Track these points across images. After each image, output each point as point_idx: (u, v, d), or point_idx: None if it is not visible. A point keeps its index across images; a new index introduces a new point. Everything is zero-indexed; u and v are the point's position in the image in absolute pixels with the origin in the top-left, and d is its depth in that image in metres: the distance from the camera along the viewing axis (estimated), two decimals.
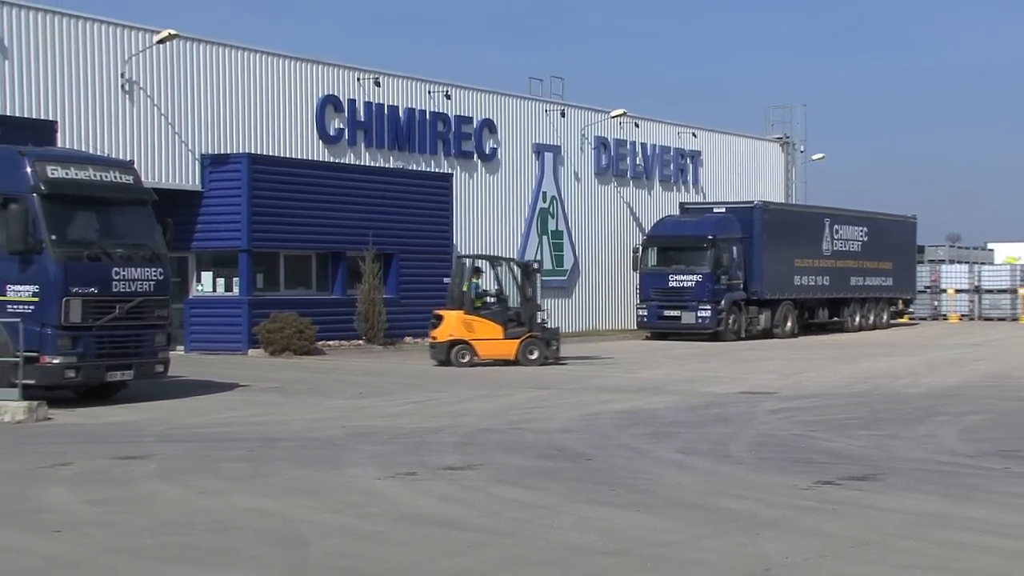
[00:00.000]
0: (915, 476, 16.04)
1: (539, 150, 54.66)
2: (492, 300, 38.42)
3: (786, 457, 17.97)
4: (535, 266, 40.68)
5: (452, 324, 37.13)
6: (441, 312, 37.61)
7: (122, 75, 39.29)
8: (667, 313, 50.90)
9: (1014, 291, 72.37)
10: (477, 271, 38.55)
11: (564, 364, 38.02)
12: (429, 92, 49.79)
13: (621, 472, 16.61)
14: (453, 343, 36.81)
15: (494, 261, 41.24)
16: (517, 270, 39.69)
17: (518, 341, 37.33)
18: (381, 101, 47.72)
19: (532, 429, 21.59)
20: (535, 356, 37.32)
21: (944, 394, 28.14)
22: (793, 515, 13.31)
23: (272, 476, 16.39)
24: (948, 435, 20.54)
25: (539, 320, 38.73)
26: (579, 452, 18.53)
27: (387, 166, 47.10)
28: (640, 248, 53.08)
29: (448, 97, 50.39)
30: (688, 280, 50.72)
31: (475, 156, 51.56)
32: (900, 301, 66.00)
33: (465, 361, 36.54)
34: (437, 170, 48.88)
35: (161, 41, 40.07)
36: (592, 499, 14.38)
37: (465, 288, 37.67)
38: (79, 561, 11.46)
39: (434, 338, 37.30)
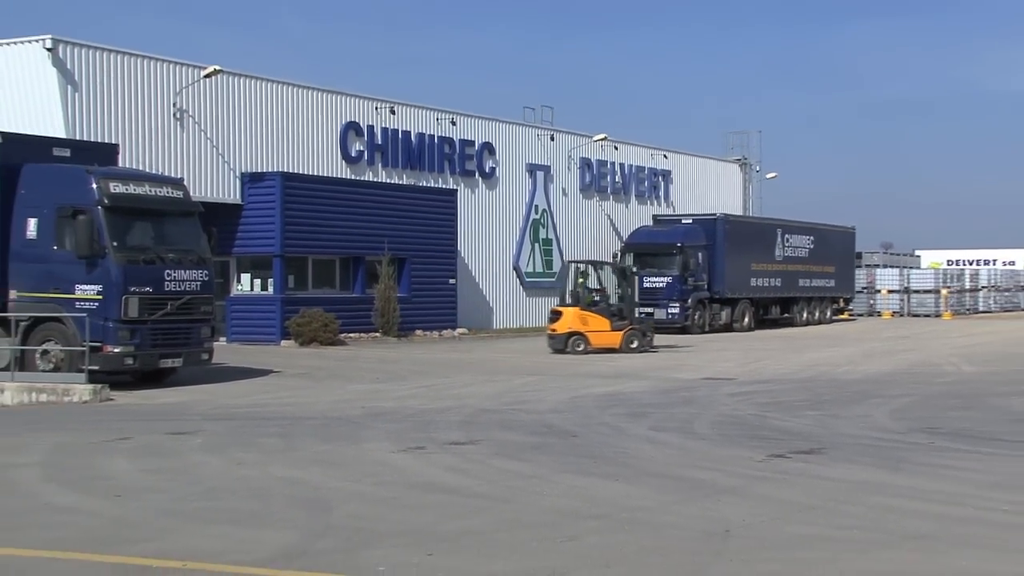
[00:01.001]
0: (853, 450, 16.05)
1: (532, 169, 54.61)
2: (597, 298, 39.12)
3: (743, 434, 17.97)
4: (633, 269, 43.13)
5: (570, 318, 38.05)
6: (559, 308, 38.83)
7: (174, 105, 39.33)
8: (642, 310, 50.89)
9: (937, 291, 72.55)
10: (584, 274, 39.54)
11: (656, 351, 38.80)
12: (437, 119, 49.81)
13: (602, 447, 16.59)
14: (570, 334, 37.70)
15: (597, 265, 41.79)
16: (616, 273, 40.96)
17: (622, 332, 38.30)
18: (396, 127, 47.76)
19: (525, 410, 21.59)
20: (635, 345, 38.47)
21: (878, 380, 28.15)
22: (749, 483, 13.32)
23: (301, 449, 16.40)
24: (881, 415, 20.55)
25: (636, 314, 40.40)
26: (566, 430, 18.53)
27: (400, 183, 47.06)
28: (619, 254, 53.04)
29: (453, 123, 50.45)
30: (660, 281, 50.72)
31: (476, 174, 51.51)
32: (841, 300, 66.00)
33: (580, 350, 37.32)
34: (443, 186, 48.77)
35: (207, 75, 40.14)
36: (577, 470, 14.38)
37: (577, 288, 38.88)
38: (137, 522, 11.46)
39: (553, 330, 38.20)
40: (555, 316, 38.67)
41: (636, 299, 41.42)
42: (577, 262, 41.72)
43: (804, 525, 11.02)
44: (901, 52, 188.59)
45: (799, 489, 12.95)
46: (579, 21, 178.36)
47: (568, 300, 39.06)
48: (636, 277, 42.78)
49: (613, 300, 39.64)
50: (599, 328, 38.27)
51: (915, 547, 10.05)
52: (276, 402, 23.81)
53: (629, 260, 51.78)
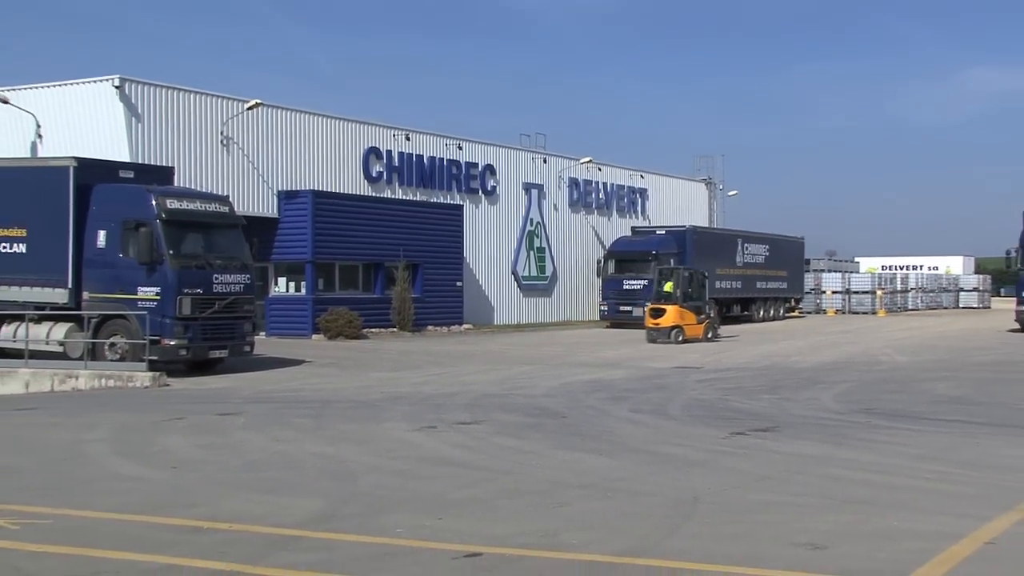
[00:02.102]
0: (803, 428, 16.07)
1: (527, 187, 54.51)
2: (679, 297, 40.47)
3: (709, 415, 17.98)
4: (705, 274, 44.38)
5: (673, 315, 39.70)
6: (661, 306, 40.16)
7: (221, 133, 39.36)
8: (622, 308, 50.82)
9: (874, 292, 72.63)
10: (671, 276, 41.50)
11: (719, 340, 40.70)
12: (446, 144, 49.79)
13: (588, 426, 16.60)
14: (673, 327, 39.32)
15: (680, 270, 43.01)
16: (694, 278, 42.45)
17: (703, 325, 40.72)
18: (410, 151, 47.73)
19: (522, 394, 21.59)
20: (710, 335, 40.83)
21: (823, 368, 28.16)
22: (714, 457, 13.34)
23: (329, 428, 16.40)
24: (826, 398, 20.57)
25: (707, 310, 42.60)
26: (557, 411, 18.52)
27: (414, 199, 46.97)
28: (602, 260, 53.04)
29: (460, 148, 50.42)
30: (638, 284, 50.60)
31: (480, 192, 51.41)
32: (792, 299, 65.98)
33: (680, 340, 38.84)
34: (451, 202, 48.66)
35: (250, 108, 40.18)
36: (567, 446, 14.39)
37: (669, 289, 40.87)
38: (190, 489, 11.46)
39: (657, 324, 39.70)
40: (658, 313, 40.00)
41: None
42: (667, 268, 43.50)
43: (761, 492, 11.04)
44: (841, 90, 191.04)
45: (757, 462, 12.98)
46: (569, 63, 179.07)
47: (656, 300, 40.77)
48: (707, 280, 44.07)
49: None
50: (691, 322, 40.28)
51: (854, 510, 10.07)
52: (308, 387, 23.83)
53: (612, 266, 51.92)
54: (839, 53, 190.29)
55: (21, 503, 10.64)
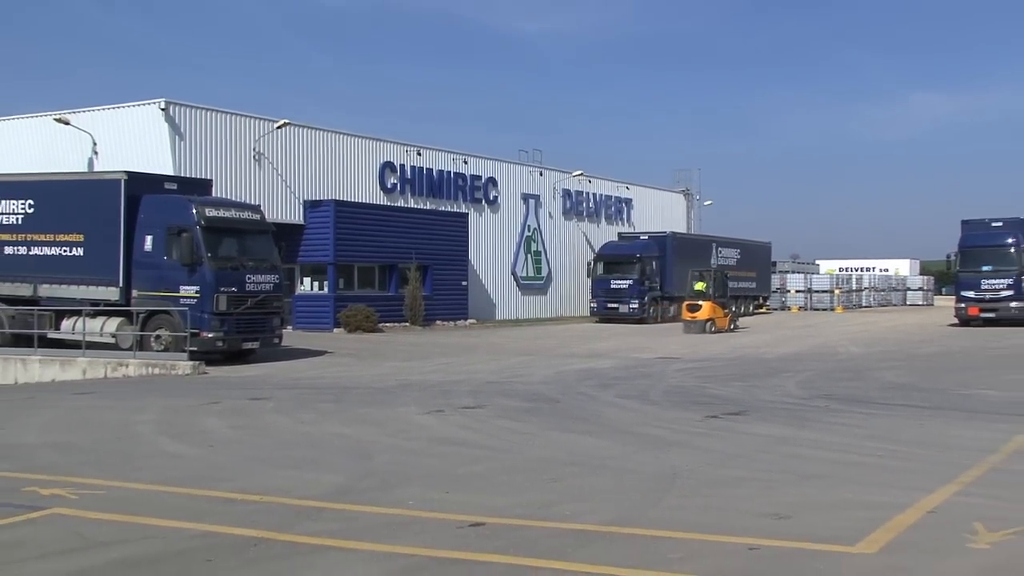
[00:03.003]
0: (769, 412, 16.06)
1: (525, 197, 54.53)
2: (710, 294, 41.58)
3: (687, 400, 17.98)
4: (727, 274, 46.56)
5: (708, 309, 40.93)
6: (698, 303, 41.16)
7: (254, 149, 39.40)
8: (609, 305, 50.77)
9: (832, 291, 72.59)
10: (702, 277, 42.42)
11: (736, 331, 42.24)
12: (453, 159, 49.81)
13: (579, 410, 16.60)
14: (707, 320, 40.47)
15: (711, 271, 44.54)
16: (718, 277, 43.58)
17: (728, 317, 42.48)
18: (421, 165, 47.81)
19: (521, 382, 21.59)
20: (733, 327, 42.81)
21: (788, 358, 28.13)
22: (691, 438, 13.35)
23: (349, 412, 16.41)
24: (791, 385, 20.56)
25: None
26: (552, 397, 18.52)
27: (424, 208, 47.03)
28: (592, 262, 53.00)
29: (465, 162, 50.48)
30: (624, 283, 50.60)
31: (483, 201, 51.43)
32: (760, 297, 66.03)
33: (713, 331, 40.14)
34: (458, 210, 48.76)
35: (279, 127, 40.27)
36: (560, 428, 14.39)
37: (700, 287, 41.72)
38: (226, 465, 11.49)
39: (694, 318, 40.79)
40: (695, 308, 40.95)
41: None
42: (696, 271, 43.98)
43: (732, 469, 11.06)
44: (803, 111, 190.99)
45: (728, 442, 12.98)
46: (563, 86, 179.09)
47: (691, 298, 41.63)
48: (728, 280, 45.43)
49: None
50: (720, 315, 41.57)
51: (814, 484, 10.09)
52: (330, 375, 23.83)
53: (600, 268, 51.84)
54: (801, 79, 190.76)
55: (80, 476, 10.72)
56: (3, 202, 28.33)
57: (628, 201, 63.92)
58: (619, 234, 58.82)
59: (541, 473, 10.86)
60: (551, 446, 12.78)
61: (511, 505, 9.19)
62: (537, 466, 11.30)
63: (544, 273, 55.83)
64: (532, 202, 55.15)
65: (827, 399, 18.08)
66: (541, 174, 56.30)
